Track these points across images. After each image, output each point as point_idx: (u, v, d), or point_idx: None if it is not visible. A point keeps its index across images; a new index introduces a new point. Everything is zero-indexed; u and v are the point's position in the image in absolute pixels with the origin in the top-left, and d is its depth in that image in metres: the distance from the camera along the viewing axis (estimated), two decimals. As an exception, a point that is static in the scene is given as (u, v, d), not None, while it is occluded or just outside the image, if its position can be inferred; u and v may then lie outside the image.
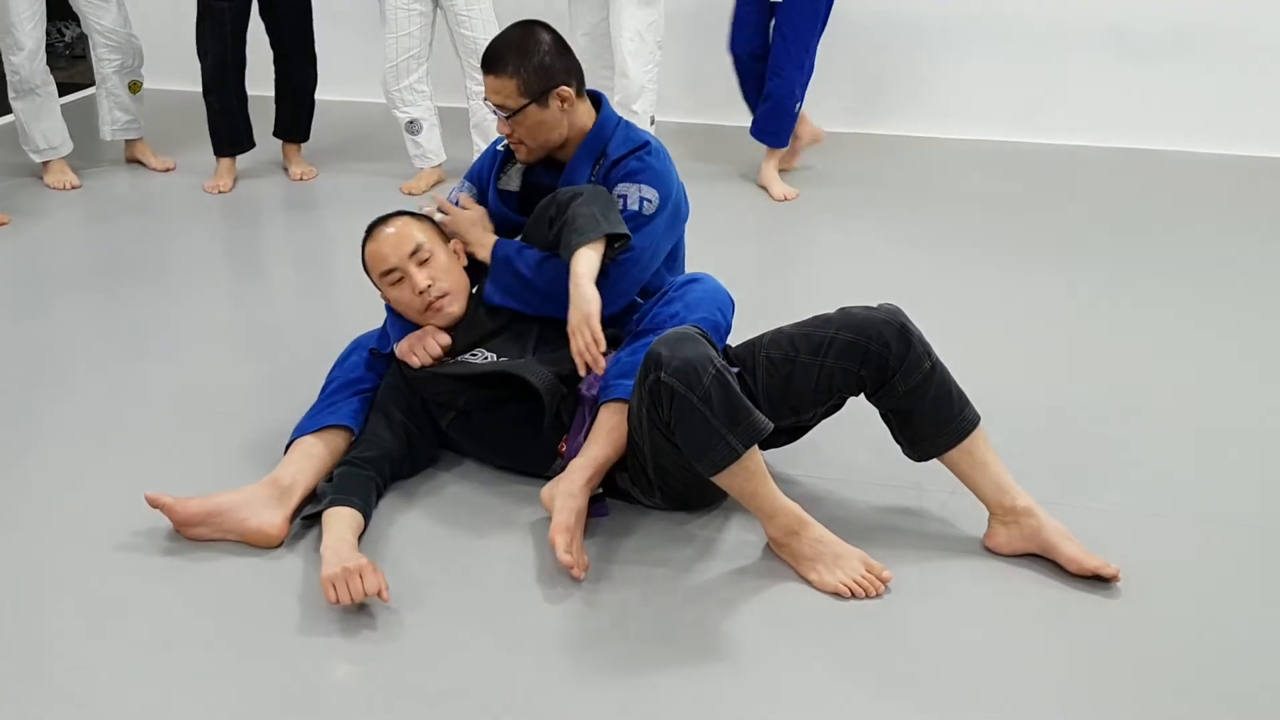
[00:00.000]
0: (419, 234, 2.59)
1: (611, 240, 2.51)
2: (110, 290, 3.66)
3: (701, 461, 2.12)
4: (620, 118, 2.75)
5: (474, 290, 2.69)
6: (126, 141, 4.90)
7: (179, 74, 5.38)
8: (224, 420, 2.81)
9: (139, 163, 4.90)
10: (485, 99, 2.66)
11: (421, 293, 2.54)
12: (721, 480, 2.14)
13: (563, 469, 2.40)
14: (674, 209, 2.70)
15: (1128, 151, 5.12)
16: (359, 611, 2.12)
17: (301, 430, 2.51)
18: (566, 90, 2.63)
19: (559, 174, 2.70)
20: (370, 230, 2.63)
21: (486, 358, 2.55)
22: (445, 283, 2.57)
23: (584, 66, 4.62)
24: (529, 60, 2.59)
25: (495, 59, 2.61)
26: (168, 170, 4.83)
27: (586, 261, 2.46)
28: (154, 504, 2.29)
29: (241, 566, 2.26)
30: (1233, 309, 3.49)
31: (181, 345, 3.25)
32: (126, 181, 4.75)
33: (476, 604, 2.16)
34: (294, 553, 2.30)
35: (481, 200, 2.80)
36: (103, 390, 2.98)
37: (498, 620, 2.11)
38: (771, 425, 2.12)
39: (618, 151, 2.66)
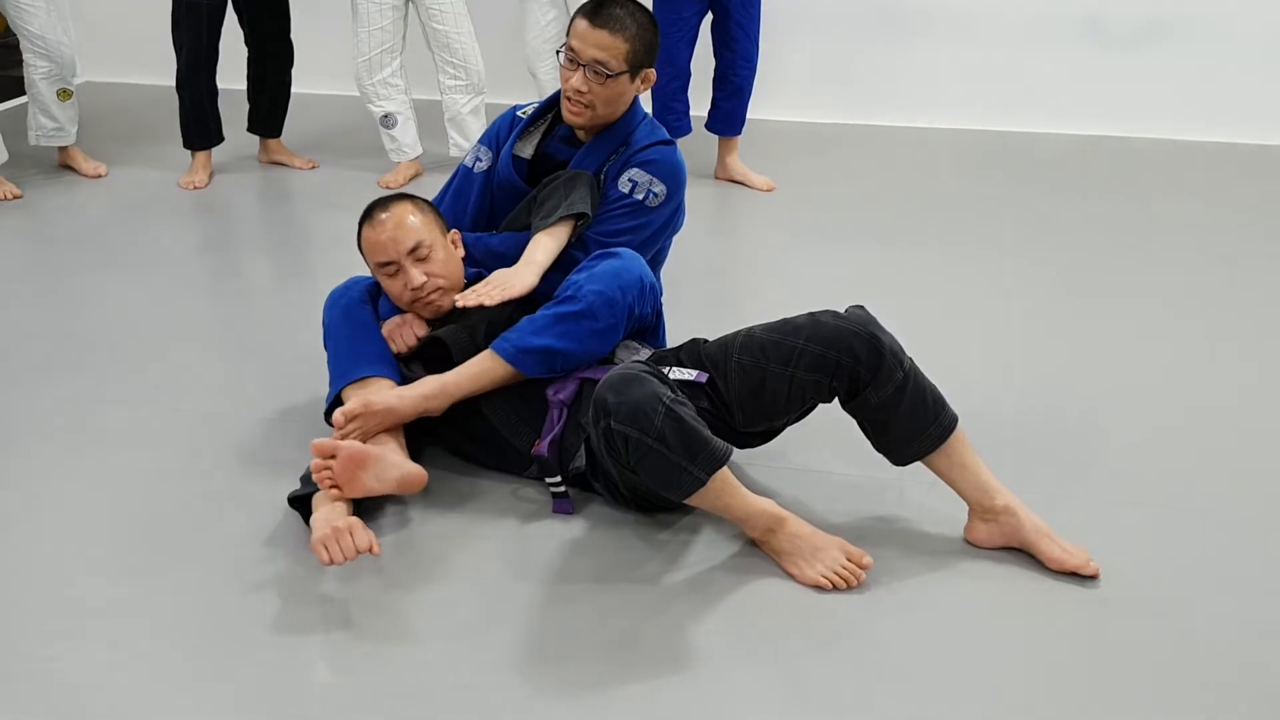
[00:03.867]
0: (419, 228, 2.55)
1: (578, 221, 2.56)
2: (84, 286, 3.63)
3: (668, 492, 2.13)
4: (646, 114, 2.78)
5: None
6: (58, 148, 4.73)
7: (136, 68, 5.35)
8: (202, 416, 2.78)
9: (70, 168, 4.71)
10: (565, 49, 2.62)
11: (415, 290, 2.54)
12: (691, 501, 2.15)
13: (538, 471, 2.41)
14: (675, 210, 2.75)
15: (1104, 139, 5.13)
16: (342, 621, 2.10)
17: (342, 380, 2.48)
18: (652, 73, 2.68)
19: (574, 149, 2.73)
20: (369, 213, 2.59)
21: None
22: (441, 279, 2.56)
23: (536, 69, 4.65)
24: (644, 33, 2.62)
25: (616, 19, 2.59)
26: (99, 176, 4.66)
27: (543, 248, 2.52)
28: (325, 449, 2.21)
29: (218, 568, 2.24)
30: (1210, 296, 3.49)
31: (159, 341, 3.22)
32: (92, 179, 4.65)
33: (446, 611, 2.13)
34: (272, 554, 2.28)
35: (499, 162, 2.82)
36: (78, 387, 2.95)
37: (469, 627, 2.09)
38: (732, 450, 2.13)
39: (642, 142, 2.70)
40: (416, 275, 2.53)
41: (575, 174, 2.64)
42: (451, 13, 4.38)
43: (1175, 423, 2.76)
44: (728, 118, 4.50)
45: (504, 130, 2.83)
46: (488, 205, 2.81)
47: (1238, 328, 3.28)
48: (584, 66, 2.59)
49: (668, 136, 2.76)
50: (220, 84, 4.58)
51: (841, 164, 4.86)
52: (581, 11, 2.63)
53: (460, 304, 2.46)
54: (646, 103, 4.51)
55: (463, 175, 2.85)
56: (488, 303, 2.44)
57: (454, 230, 2.68)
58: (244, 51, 4.65)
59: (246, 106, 4.76)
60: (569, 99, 2.65)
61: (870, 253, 3.84)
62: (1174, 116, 5.12)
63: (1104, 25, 5.11)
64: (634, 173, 2.66)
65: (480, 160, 2.82)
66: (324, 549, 2.08)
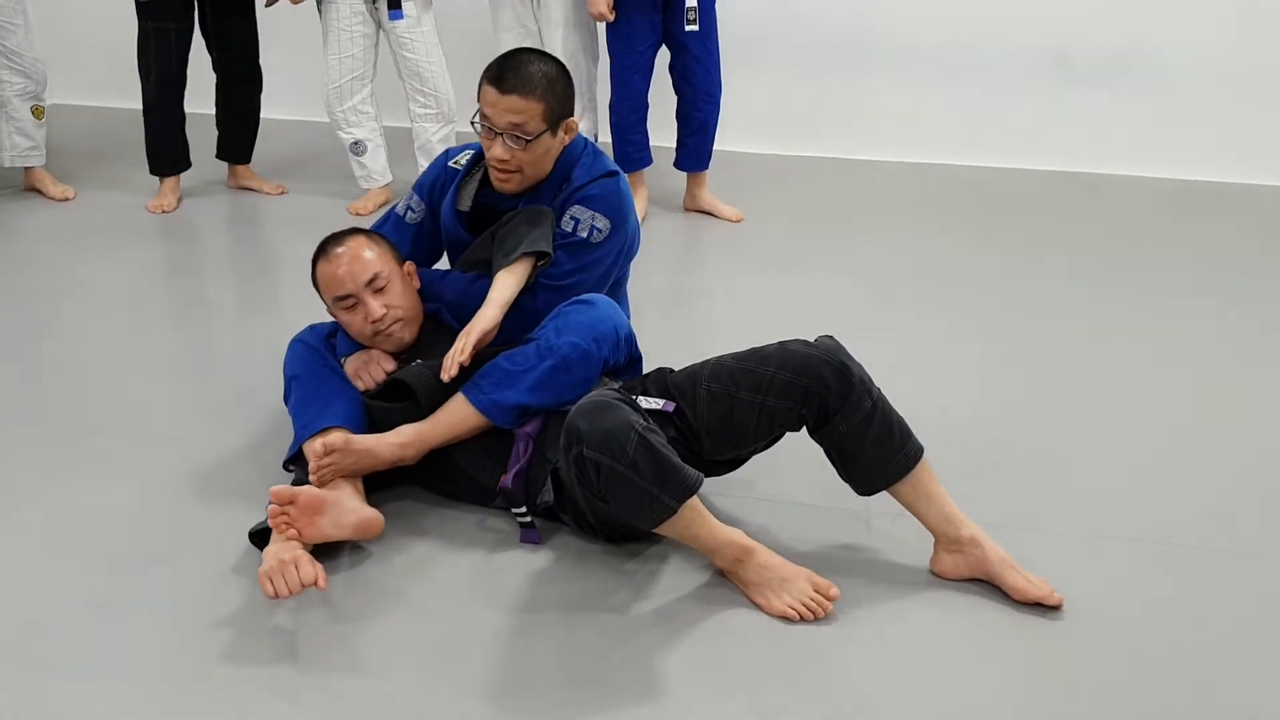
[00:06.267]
0: (375, 260, 2.54)
1: (538, 258, 2.52)
2: (49, 309, 3.60)
3: (638, 520, 2.13)
4: (588, 142, 2.71)
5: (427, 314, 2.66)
6: (25, 169, 4.68)
7: (102, 91, 5.32)
8: (164, 443, 2.76)
9: (37, 191, 4.66)
10: (479, 119, 2.53)
11: (375, 321, 2.52)
12: (661, 530, 2.15)
13: (504, 503, 2.39)
14: (624, 241, 2.68)
15: (1069, 175, 5.18)
16: (303, 652, 2.08)
17: (306, 431, 2.44)
18: (574, 121, 2.60)
19: (517, 198, 2.64)
20: (323, 248, 2.58)
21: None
22: (400, 310, 2.55)
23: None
24: (555, 87, 2.52)
25: (525, 80, 2.48)
26: (66, 199, 4.61)
27: (502, 286, 2.49)
28: (284, 496, 2.19)
29: (176, 598, 2.21)
30: (1170, 330, 3.52)
31: (123, 366, 3.20)
32: (60, 202, 4.62)
33: (409, 642, 2.12)
34: (231, 585, 2.26)
35: (432, 215, 2.76)
36: (39, 412, 2.92)
37: (433, 657, 2.08)
38: (702, 478, 2.13)
39: (583, 178, 2.62)
40: (376, 307, 2.51)
41: (537, 210, 2.58)
42: (422, 41, 4.40)
43: (1139, 454, 2.79)
44: (694, 154, 4.52)
45: (438, 182, 2.76)
46: (420, 255, 2.77)
47: (1202, 361, 3.32)
48: (501, 135, 2.51)
49: (611, 167, 2.67)
50: (187, 108, 4.57)
51: (810, 196, 4.90)
52: (487, 77, 2.52)
53: (447, 378, 2.39)
54: (606, 136, 4.55)
55: (394, 222, 2.79)
56: (466, 362, 2.39)
57: (409, 262, 2.66)
58: (209, 76, 4.64)
59: (214, 132, 4.74)
60: (494, 168, 2.57)
61: (838, 283, 3.86)
62: (1139, 153, 5.18)
63: (1071, 61, 5.18)
64: (575, 210, 2.59)
65: (413, 210, 2.77)
66: (269, 582, 2.08)
